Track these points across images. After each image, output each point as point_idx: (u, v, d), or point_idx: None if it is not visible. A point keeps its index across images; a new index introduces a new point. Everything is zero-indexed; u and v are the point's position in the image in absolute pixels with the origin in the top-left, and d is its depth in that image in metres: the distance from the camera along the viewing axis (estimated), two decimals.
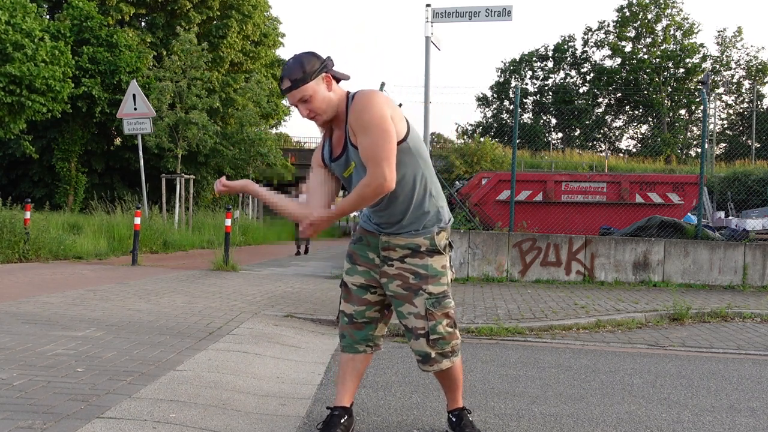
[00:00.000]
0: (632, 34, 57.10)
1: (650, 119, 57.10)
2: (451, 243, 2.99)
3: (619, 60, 57.34)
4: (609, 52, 58.27)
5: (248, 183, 3.01)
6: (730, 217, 19.06)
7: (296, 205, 2.92)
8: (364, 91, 2.76)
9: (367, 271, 2.98)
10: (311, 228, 2.78)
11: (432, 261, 2.88)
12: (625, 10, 56.76)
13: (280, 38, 37.36)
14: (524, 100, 59.66)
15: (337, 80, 2.81)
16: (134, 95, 14.52)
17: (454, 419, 3.11)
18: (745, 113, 54.19)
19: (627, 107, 59.26)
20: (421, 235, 2.88)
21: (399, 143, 2.73)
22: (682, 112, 56.84)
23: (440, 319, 2.88)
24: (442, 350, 2.90)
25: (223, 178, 3.01)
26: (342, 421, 3.01)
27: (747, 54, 57.31)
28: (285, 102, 37.84)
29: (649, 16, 56.20)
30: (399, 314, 2.96)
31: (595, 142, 58.41)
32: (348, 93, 2.81)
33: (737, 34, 56.54)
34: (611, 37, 57.93)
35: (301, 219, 2.84)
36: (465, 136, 44.69)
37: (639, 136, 61.28)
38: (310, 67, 2.71)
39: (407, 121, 2.83)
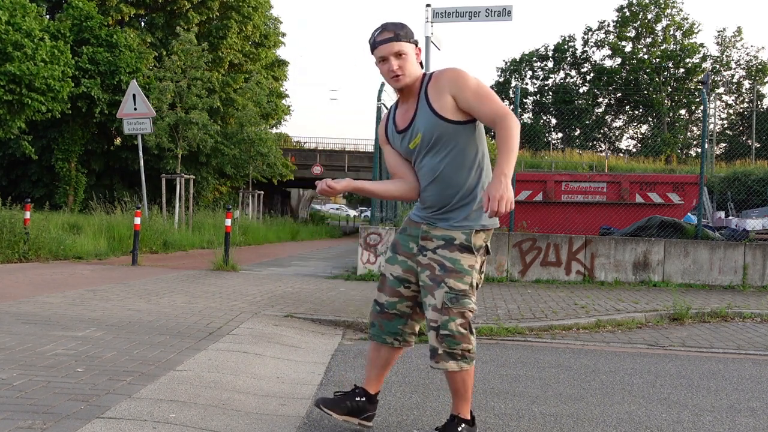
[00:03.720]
0: (632, 34, 57.14)
1: (650, 119, 57.14)
2: (488, 248, 2.96)
3: (619, 60, 57.38)
4: (609, 52, 58.32)
5: (350, 182, 3.03)
6: (730, 217, 19.07)
7: (400, 185, 3.04)
8: (450, 66, 2.93)
9: (405, 260, 3.03)
10: (506, 204, 2.65)
11: (461, 257, 2.87)
12: (625, 10, 56.78)
13: (280, 38, 37.33)
14: (524, 100, 59.68)
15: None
16: (134, 95, 14.52)
17: (446, 421, 3.07)
18: (745, 113, 54.21)
19: (627, 107, 59.30)
20: (460, 229, 2.89)
21: (467, 121, 2.88)
22: (682, 112, 56.88)
23: (454, 317, 2.84)
24: (450, 349, 2.85)
25: (330, 180, 2.96)
26: (357, 399, 3.11)
27: (747, 54, 57.42)
28: (285, 102, 37.96)
29: (649, 16, 56.24)
30: (424, 306, 2.95)
31: (595, 142, 58.46)
32: (425, 73, 2.96)
33: (737, 34, 56.60)
34: (611, 37, 57.97)
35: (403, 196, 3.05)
36: None
37: (639, 136, 61.35)
38: (410, 31, 2.90)
39: None
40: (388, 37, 2.85)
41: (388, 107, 3.23)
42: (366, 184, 3.09)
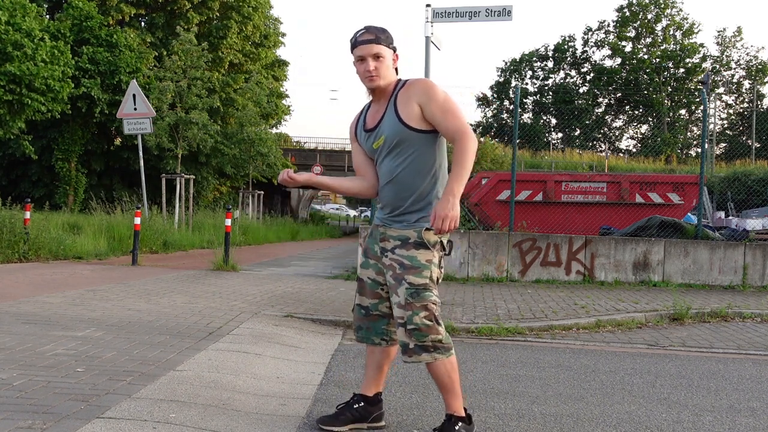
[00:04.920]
0: (632, 34, 57.13)
1: (650, 119, 57.14)
2: (443, 244, 3.04)
3: (619, 60, 57.37)
4: (609, 52, 58.31)
5: (311, 176, 3.22)
6: (730, 217, 19.07)
7: (358, 183, 3.22)
8: (423, 78, 3.13)
9: (375, 263, 3.14)
10: (450, 222, 2.81)
11: (417, 253, 2.97)
12: (625, 10, 56.78)
13: (280, 38, 37.32)
14: (524, 100, 59.66)
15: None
16: (134, 95, 14.52)
17: (443, 421, 3.10)
18: (745, 113, 54.21)
19: (627, 107, 59.29)
20: (411, 228, 3.00)
21: (427, 131, 2.99)
22: (682, 112, 56.87)
23: (417, 311, 2.92)
24: (420, 342, 2.94)
25: (291, 171, 3.14)
26: (356, 406, 3.21)
27: (747, 54, 57.36)
28: (285, 102, 37.97)
29: (649, 16, 56.23)
30: (393, 306, 3.03)
31: (595, 142, 58.47)
32: (399, 80, 3.10)
33: (737, 34, 56.57)
34: (611, 37, 57.96)
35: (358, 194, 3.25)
36: None
37: (639, 136, 61.36)
38: (391, 37, 3.05)
39: None
40: (369, 39, 2.98)
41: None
42: (326, 179, 3.29)
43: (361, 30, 3.03)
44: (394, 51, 3.05)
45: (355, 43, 3.01)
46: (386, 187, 3.06)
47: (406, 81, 3.06)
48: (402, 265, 2.97)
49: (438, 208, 2.82)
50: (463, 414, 3.07)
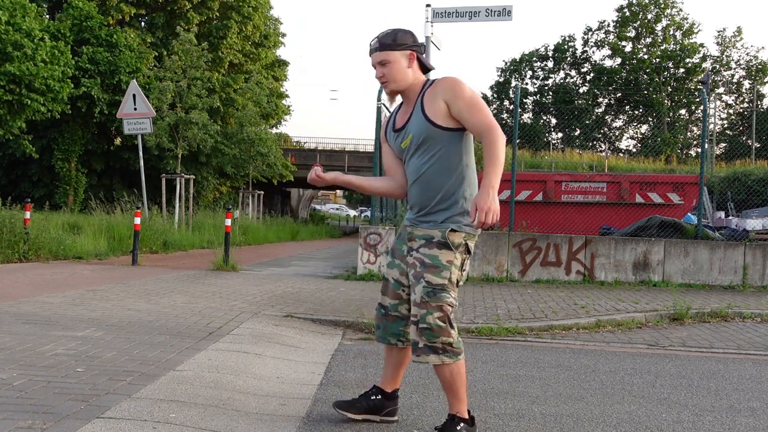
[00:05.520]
0: (632, 34, 57.11)
1: (650, 119, 57.12)
2: (469, 246, 3.04)
3: (619, 60, 57.35)
4: (609, 52, 58.29)
5: (339, 175, 3.32)
6: (730, 217, 19.06)
7: (387, 183, 3.25)
8: (451, 75, 3.08)
9: (400, 263, 3.18)
10: (492, 215, 2.80)
11: (439, 253, 2.98)
12: (625, 10, 56.76)
13: (280, 38, 37.32)
14: (524, 100, 59.65)
15: (423, 66, 3.10)
16: (134, 95, 14.52)
17: (445, 421, 3.10)
18: (745, 113, 54.19)
19: (627, 107, 59.28)
20: (437, 228, 3.01)
21: (454, 129, 3.00)
22: (682, 112, 56.85)
23: (432, 310, 2.93)
24: (430, 342, 2.94)
25: (319, 169, 3.25)
26: (373, 398, 3.30)
27: (747, 54, 57.32)
28: (285, 102, 37.98)
29: (649, 16, 56.21)
30: (412, 303, 3.05)
31: (595, 142, 58.44)
32: (427, 80, 3.11)
33: (737, 34, 56.55)
34: (611, 37, 57.95)
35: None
36: None
37: (639, 136, 61.33)
38: (400, 39, 3.04)
39: None
40: (374, 47, 3.06)
41: (390, 107, 3.36)
42: (354, 179, 3.33)
43: (374, 37, 3.10)
44: (410, 50, 3.05)
45: (369, 52, 3.11)
46: (413, 186, 3.09)
47: (434, 80, 3.08)
48: (423, 263, 2.98)
49: (479, 200, 2.79)
50: (466, 416, 3.07)
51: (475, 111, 2.94)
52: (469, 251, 3.04)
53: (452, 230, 2.98)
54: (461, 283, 3.04)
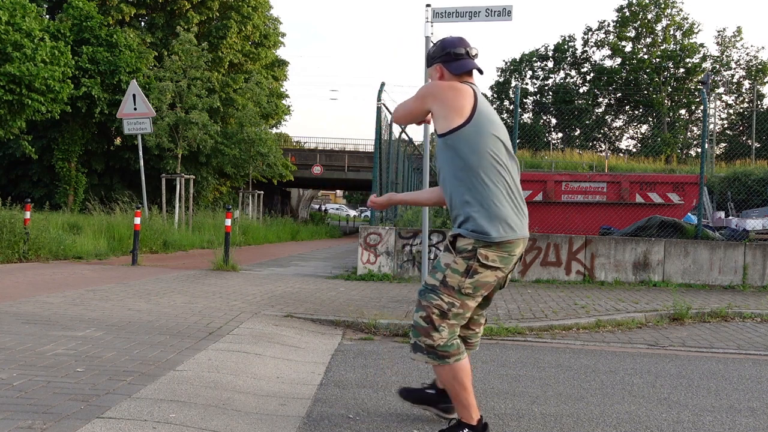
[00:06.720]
0: (632, 34, 57.09)
1: (650, 119, 57.10)
2: (481, 260, 2.90)
3: (619, 60, 57.34)
4: (609, 52, 58.28)
5: (392, 195, 3.55)
6: (730, 217, 19.05)
7: (437, 195, 3.33)
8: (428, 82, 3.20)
9: None
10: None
11: (442, 255, 3.07)
12: (625, 10, 56.75)
13: (280, 38, 37.30)
14: (524, 100, 59.65)
15: (460, 72, 3.09)
16: (134, 95, 14.51)
17: (450, 425, 3.10)
18: (745, 113, 54.16)
19: (627, 107, 59.27)
20: (452, 231, 3.05)
21: (440, 135, 3.00)
22: (682, 112, 56.83)
23: (419, 309, 2.99)
24: (414, 338, 3.00)
25: (373, 196, 3.53)
26: (428, 392, 3.41)
27: (747, 54, 57.29)
28: (285, 102, 37.97)
29: (649, 16, 56.20)
30: None
31: (595, 142, 58.42)
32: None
33: (737, 34, 56.52)
34: (611, 37, 57.93)
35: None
36: None
37: (639, 136, 61.31)
38: (432, 53, 3.18)
39: (467, 124, 2.93)
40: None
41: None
42: (405, 196, 3.74)
43: None
44: (437, 62, 3.13)
45: None
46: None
47: None
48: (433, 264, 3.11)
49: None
50: (473, 422, 3.00)
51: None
52: (478, 259, 2.89)
53: (459, 235, 2.96)
54: (467, 291, 2.91)
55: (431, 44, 10.51)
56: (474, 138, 2.92)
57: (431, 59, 3.14)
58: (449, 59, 3.10)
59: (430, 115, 3.06)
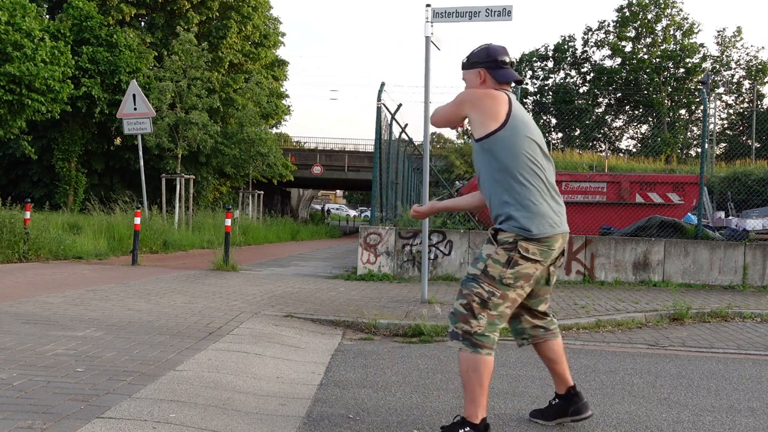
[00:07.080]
0: (632, 34, 57.07)
1: (650, 119, 57.07)
2: (521, 252, 2.99)
3: (619, 60, 57.31)
4: (609, 52, 58.24)
5: (434, 203, 3.59)
6: (730, 217, 19.04)
7: (477, 199, 3.39)
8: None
9: None
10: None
11: (484, 247, 3.12)
12: (625, 10, 56.72)
13: (280, 38, 37.30)
14: (524, 100, 59.58)
15: (504, 81, 3.18)
16: (134, 95, 14.51)
17: (452, 422, 3.09)
18: (745, 113, 54.14)
19: (627, 107, 59.24)
20: (494, 226, 3.13)
21: (477, 139, 3.12)
22: (682, 112, 56.81)
23: (460, 297, 3.06)
24: (453, 326, 3.05)
25: (416, 206, 3.61)
26: (553, 402, 3.39)
27: (747, 54, 57.23)
28: (285, 102, 37.98)
29: (649, 16, 56.17)
30: None
31: (595, 142, 58.36)
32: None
33: (737, 34, 56.50)
34: (611, 37, 57.90)
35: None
36: (465, 136, 44.65)
37: (639, 136, 61.28)
38: (474, 57, 3.23)
39: (502, 128, 3.05)
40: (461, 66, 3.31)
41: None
42: (448, 203, 3.92)
43: None
44: (481, 66, 3.18)
45: None
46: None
47: None
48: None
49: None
50: (477, 422, 2.99)
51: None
52: (519, 252, 2.99)
53: (500, 229, 3.05)
54: (508, 281, 2.98)
55: (431, 44, 10.48)
56: (509, 141, 3.04)
57: (472, 63, 3.20)
58: (495, 66, 3.18)
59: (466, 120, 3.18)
